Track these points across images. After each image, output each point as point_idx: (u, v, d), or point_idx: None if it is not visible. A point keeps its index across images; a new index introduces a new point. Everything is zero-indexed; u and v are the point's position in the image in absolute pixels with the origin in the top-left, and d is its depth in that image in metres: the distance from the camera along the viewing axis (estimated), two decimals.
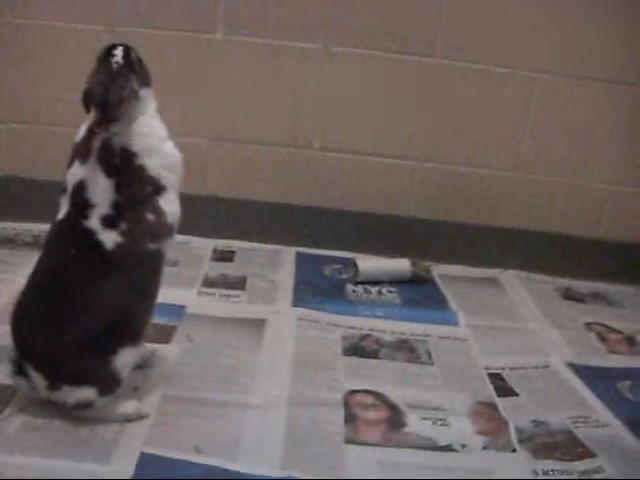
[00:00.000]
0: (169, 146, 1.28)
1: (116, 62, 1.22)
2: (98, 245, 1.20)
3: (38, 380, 1.24)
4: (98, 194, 1.21)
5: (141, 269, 1.24)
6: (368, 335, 1.72)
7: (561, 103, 2.13)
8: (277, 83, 2.10)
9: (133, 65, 1.25)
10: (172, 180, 1.26)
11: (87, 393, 1.23)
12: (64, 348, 1.21)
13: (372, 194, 2.19)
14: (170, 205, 1.26)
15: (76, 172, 1.23)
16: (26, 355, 1.24)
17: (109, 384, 1.25)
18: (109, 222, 1.20)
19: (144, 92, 1.26)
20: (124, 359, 1.24)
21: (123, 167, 1.22)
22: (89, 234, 1.20)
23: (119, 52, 1.24)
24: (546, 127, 2.16)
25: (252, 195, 2.09)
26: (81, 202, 1.21)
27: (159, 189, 1.24)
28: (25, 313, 1.24)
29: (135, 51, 1.27)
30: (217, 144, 2.13)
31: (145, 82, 1.28)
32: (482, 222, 2.21)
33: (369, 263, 2.03)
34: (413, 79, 2.11)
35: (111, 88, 1.19)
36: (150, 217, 1.23)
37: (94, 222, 1.20)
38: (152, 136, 1.26)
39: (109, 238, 1.20)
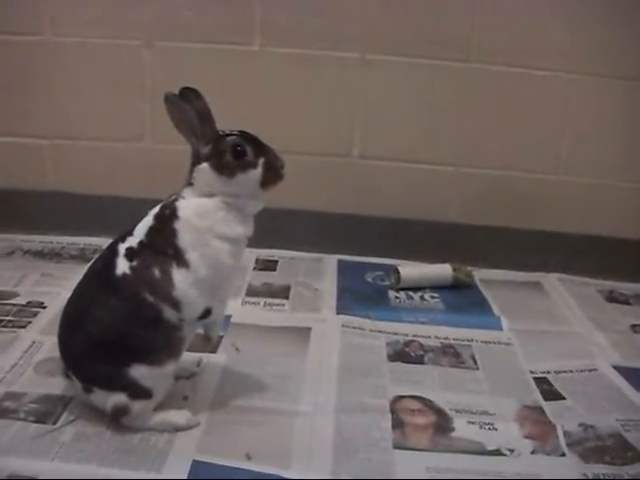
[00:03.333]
0: (218, 243, 1.26)
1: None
2: (113, 267, 1.25)
3: (75, 382, 1.31)
4: (140, 227, 1.28)
5: (136, 306, 1.25)
6: (412, 341, 1.73)
7: (600, 104, 2.12)
8: (314, 92, 2.13)
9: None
10: (203, 271, 1.25)
11: (119, 398, 1.27)
12: (80, 352, 1.27)
13: (412, 200, 2.19)
14: (185, 284, 1.25)
15: None
16: (62, 358, 1.33)
17: (136, 392, 1.27)
18: (129, 253, 1.25)
19: (226, 181, 1.26)
20: (139, 372, 1.26)
21: (163, 219, 1.26)
22: (114, 255, 1.26)
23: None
24: (585, 129, 2.15)
25: (293, 204, 2.10)
26: (131, 228, 1.29)
27: (180, 260, 1.24)
28: (62, 319, 1.33)
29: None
30: None
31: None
32: (522, 226, 2.20)
33: (411, 269, 2.04)
34: (449, 85, 2.12)
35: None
36: (156, 273, 1.24)
37: (122, 247, 1.26)
38: (204, 220, 1.25)
39: (122, 266, 1.25)
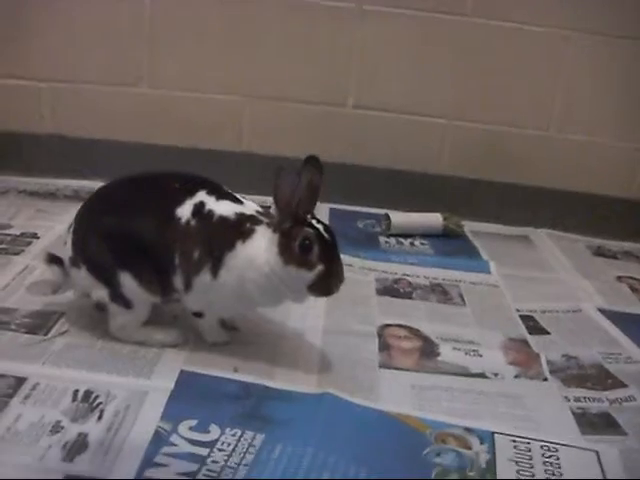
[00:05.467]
0: (248, 287, 1.25)
1: None
2: (178, 202, 1.28)
3: (68, 249, 1.33)
4: (224, 204, 1.29)
5: (163, 247, 1.28)
6: (401, 279, 1.75)
7: (593, 62, 2.14)
8: (310, 42, 2.14)
9: None
10: (221, 293, 1.27)
11: (101, 294, 1.30)
12: (95, 227, 1.30)
13: (404, 152, 2.21)
14: (202, 286, 1.27)
15: None
16: (75, 219, 1.35)
17: (117, 295, 1.29)
18: (198, 210, 1.27)
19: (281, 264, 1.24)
20: (126, 280, 1.28)
21: (238, 229, 1.27)
22: (189, 194, 1.28)
23: None
24: (578, 86, 2.17)
25: (286, 152, 2.11)
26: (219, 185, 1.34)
27: (215, 266, 1.25)
28: (101, 192, 1.37)
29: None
30: (252, 101, 2.18)
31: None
32: (513, 180, 2.22)
33: (402, 216, 2.06)
34: (445, 38, 2.14)
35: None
36: (196, 253, 1.26)
37: (201, 196, 1.28)
38: (249, 269, 1.25)
39: (185, 210, 1.27)
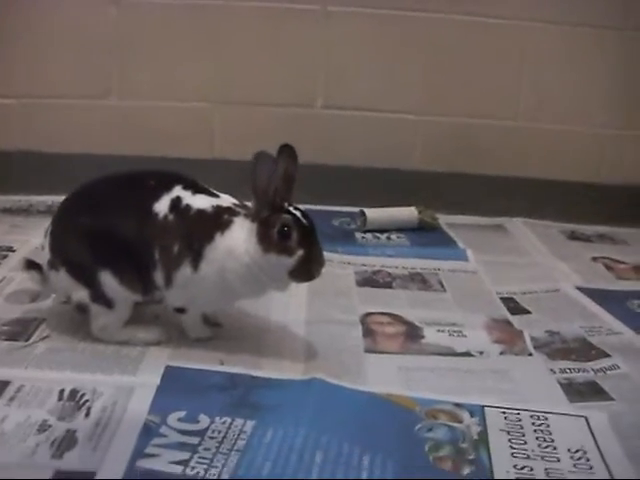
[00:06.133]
0: (229, 278, 1.25)
1: None
2: (156, 198, 1.27)
3: (46, 253, 1.32)
4: (199, 198, 1.29)
5: (142, 243, 1.28)
6: (380, 271, 1.76)
7: (556, 51, 2.18)
8: (277, 45, 2.16)
9: None
10: (201, 286, 1.27)
11: (82, 295, 1.29)
12: (73, 228, 1.30)
13: (376, 149, 2.23)
14: (183, 279, 1.27)
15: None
16: (52, 222, 1.34)
17: (98, 295, 1.28)
18: (175, 205, 1.26)
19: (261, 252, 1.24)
20: (107, 279, 1.27)
21: (216, 220, 1.27)
22: (166, 189, 1.28)
23: None
24: (542, 75, 2.20)
25: None
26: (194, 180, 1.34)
27: (195, 260, 1.25)
28: (77, 192, 1.36)
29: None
30: (222, 107, 2.18)
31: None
32: (485, 172, 2.25)
33: (377, 212, 2.07)
34: (410, 35, 2.17)
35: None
36: (175, 247, 1.26)
37: (177, 191, 1.28)
38: (229, 259, 1.25)
39: (163, 205, 1.26)
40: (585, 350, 1.41)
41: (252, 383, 1.22)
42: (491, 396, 1.22)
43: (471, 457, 1.06)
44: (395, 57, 2.18)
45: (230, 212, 1.27)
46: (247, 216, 1.26)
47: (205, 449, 1.04)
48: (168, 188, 1.28)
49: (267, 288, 1.29)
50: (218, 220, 1.26)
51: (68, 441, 1.04)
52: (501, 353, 1.38)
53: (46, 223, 1.36)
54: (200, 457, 1.02)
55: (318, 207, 2.19)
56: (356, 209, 2.14)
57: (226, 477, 0.98)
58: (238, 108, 2.18)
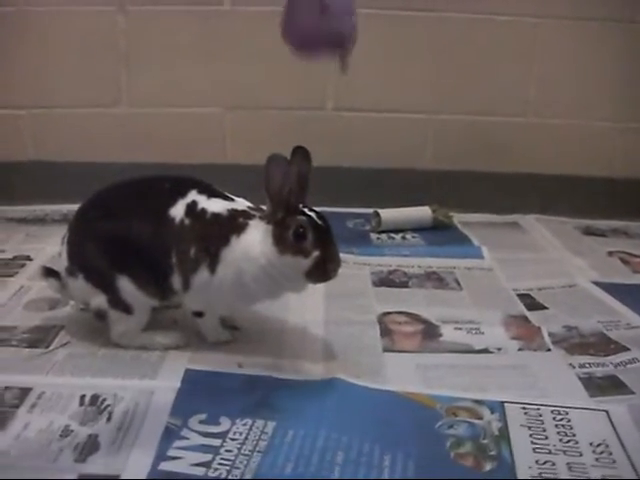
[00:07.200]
0: (245, 280, 1.25)
1: None
2: (171, 203, 1.28)
3: (63, 260, 1.33)
4: (214, 202, 1.30)
5: (160, 248, 1.28)
6: (396, 270, 1.76)
7: (565, 46, 2.18)
8: (286, 48, 2.15)
9: None
10: (220, 289, 1.27)
11: (100, 300, 1.30)
12: (91, 233, 1.31)
13: (387, 149, 2.23)
14: (200, 283, 1.27)
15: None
16: (69, 228, 1.36)
17: (116, 301, 1.29)
18: (191, 210, 1.27)
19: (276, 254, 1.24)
20: (125, 284, 1.28)
21: (232, 223, 1.27)
22: (180, 194, 1.29)
23: None
24: (552, 71, 2.20)
25: None
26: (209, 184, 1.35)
27: (212, 263, 1.25)
28: (95, 198, 1.37)
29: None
30: (233, 112, 2.19)
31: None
32: (497, 169, 2.24)
33: (391, 212, 2.07)
34: (418, 34, 2.17)
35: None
36: (192, 251, 1.26)
37: (192, 196, 1.29)
38: (246, 260, 1.25)
39: (178, 210, 1.27)
40: (604, 344, 1.40)
41: (272, 384, 1.23)
42: (511, 392, 1.22)
43: (493, 453, 1.06)
44: (404, 57, 2.18)
45: (245, 215, 1.28)
46: (262, 218, 1.26)
47: (227, 450, 1.05)
48: (183, 193, 1.29)
49: (284, 289, 1.29)
50: (234, 223, 1.27)
51: (91, 446, 1.05)
52: (519, 349, 1.38)
53: (62, 231, 1.37)
54: (222, 459, 1.03)
55: (332, 209, 2.19)
56: (370, 210, 2.14)
57: (248, 477, 0.99)
58: (249, 112, 2.19)
